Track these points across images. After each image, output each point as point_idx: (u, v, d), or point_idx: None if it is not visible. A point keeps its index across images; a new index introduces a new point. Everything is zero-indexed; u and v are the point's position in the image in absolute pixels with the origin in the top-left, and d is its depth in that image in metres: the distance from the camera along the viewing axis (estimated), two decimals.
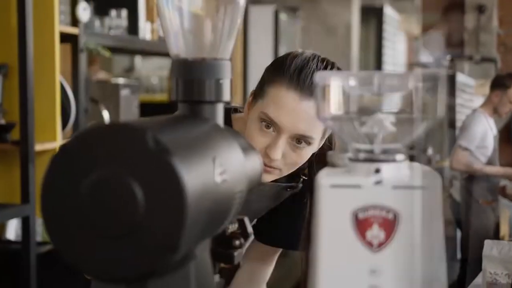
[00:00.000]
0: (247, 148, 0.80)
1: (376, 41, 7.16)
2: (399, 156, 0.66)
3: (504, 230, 4.64)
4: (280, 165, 1.24)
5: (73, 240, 0.59)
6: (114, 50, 3.23)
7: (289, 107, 1.20)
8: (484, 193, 4.39)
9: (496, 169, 4.45)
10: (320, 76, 0.66)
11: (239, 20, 0.77)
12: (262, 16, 4.76)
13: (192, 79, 0.73)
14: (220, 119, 0.75)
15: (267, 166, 1.23)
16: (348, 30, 5.48)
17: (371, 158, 0.66)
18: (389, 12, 7.22)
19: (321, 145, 1.31)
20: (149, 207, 0.57)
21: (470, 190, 4.41)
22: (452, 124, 6.34)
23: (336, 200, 0.65)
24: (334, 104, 0.67)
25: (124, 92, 3.00)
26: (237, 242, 0.81)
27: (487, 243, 1.88)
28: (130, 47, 3.18)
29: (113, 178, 0.57)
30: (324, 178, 0.65)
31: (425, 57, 5.63)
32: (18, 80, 2.31)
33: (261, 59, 4.43)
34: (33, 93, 2.30)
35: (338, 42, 5.41)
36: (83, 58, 2.65)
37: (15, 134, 2.35)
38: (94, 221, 0.58)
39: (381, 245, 0.64)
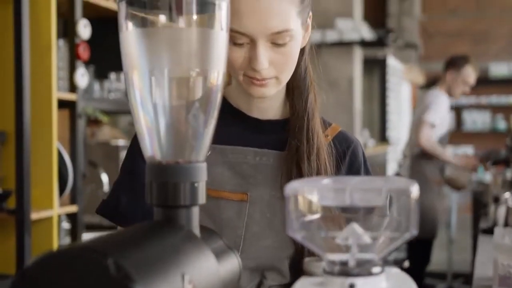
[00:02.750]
0: (223, 251, 0.78)
1: (380, 92, 7.17)
2: (376, 269, 0.64)
3: None
4: (272, 73, 1.14)
5: None
6: (114, 112, 3.24)
7: (248, 10, 1.08)
8: (434, 171, 4.33)
9: (458, 160, 4.45)
10: (290, 188, 0.64)
11: (213, 121, 0.75)
12: None
13: (167, 182, 0.72)
14: (195, 223, 0.74)
15: (260, 80, 1.14)
16: (350, 83, 5.49)
17: (345, 272, 0.64)
18: (392, 62, 7.25)
19: (308, 35, 1.21)
20: None
21: (420, 167, 4.35)
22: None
23: None
24: (306, 215, 0.65)
25: (124, 154, 2.99)
26: None
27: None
28: (129, 110, 3.18)
29: None
30: None
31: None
32: (15, 147, 2.31)
33: None
34: (29, 160, 2.30)
35: (340, 95, 5.42)
36: (81, 124, 2.66)
37: (11, 203, 2.34)
38: None
39: None
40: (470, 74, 4.37)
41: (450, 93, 4.40)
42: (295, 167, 1.21)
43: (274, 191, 1.21)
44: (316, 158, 1.22)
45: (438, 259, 5.53)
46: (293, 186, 0.65)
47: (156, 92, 0.73)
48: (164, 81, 0.72)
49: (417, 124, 4.35)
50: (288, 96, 1.27)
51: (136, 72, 0.72)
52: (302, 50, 1.24)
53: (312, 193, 0.64)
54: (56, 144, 2.47)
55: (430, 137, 4.22)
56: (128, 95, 0.74)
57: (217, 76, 0.74)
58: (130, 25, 0.71)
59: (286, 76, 1.18)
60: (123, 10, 0.71)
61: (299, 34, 1.15)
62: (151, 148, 0.73)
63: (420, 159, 4.34)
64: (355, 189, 0.62)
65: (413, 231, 0.63)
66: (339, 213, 0.68)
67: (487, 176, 5.14)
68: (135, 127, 0.75)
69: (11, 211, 2.31)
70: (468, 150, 7.69)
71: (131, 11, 0.71)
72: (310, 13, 1.21)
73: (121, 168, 1.32)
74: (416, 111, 4.58)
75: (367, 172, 1.30)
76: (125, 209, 1.24)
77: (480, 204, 4.07)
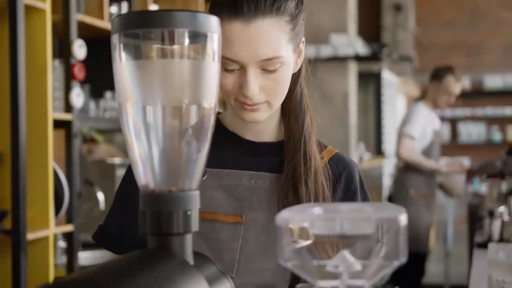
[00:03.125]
0: (216, 277, 0.79)
1: (375, 105, 7.20)
2: None
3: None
4: (263, 98, 1.15)
5: None
6: (110, 131, 3.26)
7: (239, 38, 1.10)
8: (418, 185, 4.34)
9: (440, 166, 4.46)
10: (281, 217, 0.65)
11: (207, 147, 0.76)
12: None
13: (160, 211, 0.73)
14: (189, 251, 0.75)
15: (250, 105, 1.15)
16: (345, 97, 5.52)
17: None
18: (387, 76, 7.28)
19: (300, 60, 1.22)
20: None
21: (403, 181, 4.37)
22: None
23: None
24: (296, 243, 0.66)
25: (120, 172, 3.01)
26: None
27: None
28: None
29: None
30: None
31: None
32: (10, 167, 2.32)
33: None
34: (25, 181, 2.31)
35: (336, 110, 5.44)
36: (76, 143, 2.67)
37: (7, 223, 2.34)
38: None
39: None
40: (452, 84, 4.36)
41: (435, 105, 4.42)
42: (292, 189, 1.21)
43: (269, 214, 1.21)
44: (314, 181, 1.22)
45: (435, 272, 5.54)
46: (284, 216, 0.66)
47: (150, 122, 0.74)
48: (157, 111, 0.74)
49: (398, 137, 4.41)
50: (284, 118, 1.28)
51: (130, 102, 0.74)
52: (298, 74, 1.25)
53: (302, 223, 0.66)
54: (52, 164, 2.48)
55: (411, 149, 4.25)
56: (121, 124, 0.75)
57: (209, 104, 0.75)
58: (123, 56, 0.73)
59: (278, 101, 1.19)
60: (116, 42, 0.72)
61: (291, 59, 1.16)
62: (144, 177, 0.74)
63: (404, 172, 4.38)
64: (345, 218, 0.64)
65: (402, 259, 0.64)
66: (331, 239, 0.69)
67: (482, 187, 5.15)
68: (129, 156, 0.76)
69: (7, 232, 2.31)
70: (464, 161, 7.71)
71: (125, 42, 0.72)
72: (303, 39, 1.22)
73: (116, 195, 1.32)
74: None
75: (364, 195, 1.29)
76: (119, 237, 1.25)
77: (476, 216, 4.08)
